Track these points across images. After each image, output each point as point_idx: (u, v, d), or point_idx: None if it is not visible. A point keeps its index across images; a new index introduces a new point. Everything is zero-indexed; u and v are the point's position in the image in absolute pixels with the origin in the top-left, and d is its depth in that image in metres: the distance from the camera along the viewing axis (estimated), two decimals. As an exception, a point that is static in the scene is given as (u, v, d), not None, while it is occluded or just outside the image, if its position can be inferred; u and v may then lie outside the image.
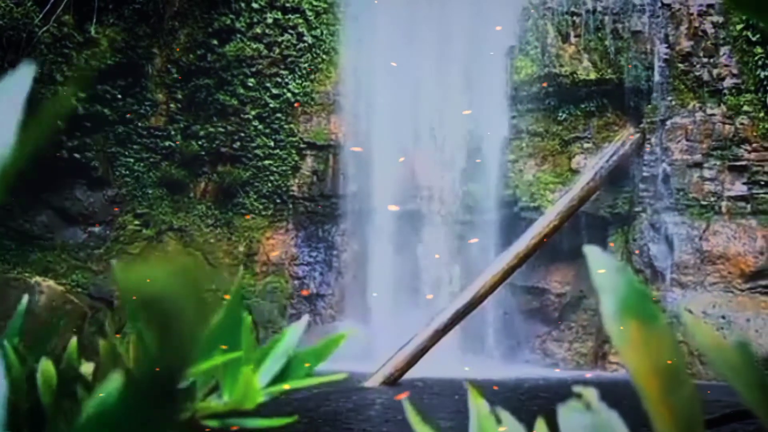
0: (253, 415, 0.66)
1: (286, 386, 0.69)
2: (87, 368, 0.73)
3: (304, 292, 13.20)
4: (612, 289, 0.50)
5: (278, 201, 13.70)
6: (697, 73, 12.06)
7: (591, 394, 0.52)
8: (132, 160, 13.46)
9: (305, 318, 0.78)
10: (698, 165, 11.89)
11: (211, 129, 13.57)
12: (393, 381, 9.84)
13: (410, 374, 10.01)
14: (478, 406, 0.62)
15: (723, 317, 10.72)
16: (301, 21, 13.64)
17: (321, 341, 0.72)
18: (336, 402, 8.26)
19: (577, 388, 0.52)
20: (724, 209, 11.67)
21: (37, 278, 10.59)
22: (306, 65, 13.62)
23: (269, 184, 13.66)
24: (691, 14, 12.17)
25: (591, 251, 0.52)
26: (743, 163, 11.73)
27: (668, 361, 0.48)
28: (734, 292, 11.22)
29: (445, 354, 10.69)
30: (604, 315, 0.50)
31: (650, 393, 0.48)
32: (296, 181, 13.65)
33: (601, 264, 0.51)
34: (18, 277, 10.46)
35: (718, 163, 11.82)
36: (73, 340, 0.74)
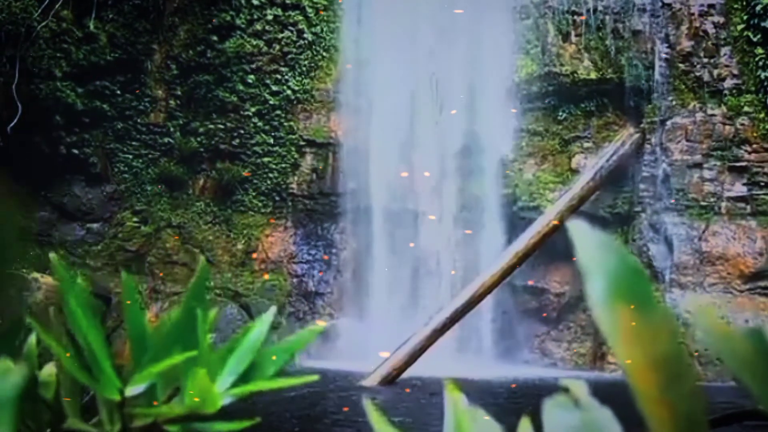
0: (215, 419, 0.60)
1: (251, 388, 0.63)
2: (49, 369, 0.66)
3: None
4: (600, 269, 0.42)
5: (277, 198, 13.67)
6: (698, 74, 12.04)
7: (580, 388, 0.46)
8: (131, 156, 13.43)
9: (273, 309, 0.72)
10: (698, 165, 11.87)
11: (210, 126, 13.54)
12: (391, 380, 9.82)
13: (408, 373, 9.99)
14: (454, 400, 0.57)
15: (722, 318, 10.68)
16: (301, 18, 13.60)
17: (292, 336, 0.66)
18: (332, 401, 8.24)
19: (565, 382, 0.46)
20: (723, 210, 11.65)
21: (35, 274, 10.56)
22: (306, 62, 13.59)
23: (268, 182, 13.63)
24: (692, 14, 12.14)
25: (576, 226, 0.44)
26: (743, 164, 11.71)
27: (667, 352, 0.42)
28: (733, 293, 11.20)
29: (443, 353, 10.68)
30: (590, 299, 0.43)
31: (646, 389, 0.41)
32: (295, 178, 13.62)
33: (588, 239, 0.44)
34: (15, 273, 10.42)
35: (718, 163, 11.80)
36: (32, 339, 0.66)
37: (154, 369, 0.60)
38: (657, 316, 0.43)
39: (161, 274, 13.00)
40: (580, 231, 0.45)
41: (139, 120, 13.39)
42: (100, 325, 0.61)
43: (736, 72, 11.85)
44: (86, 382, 0.61)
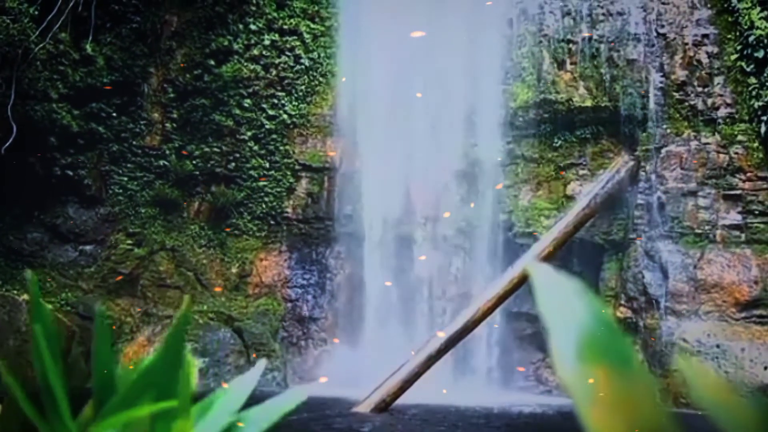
0: None
1: None
2: None
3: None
4: (567, 322, 0.35)
5: (272, 222, 13.63)
6: (692, 102, 12.12)
7: None
8: (126, 178, 13.39)
9: (262, 363, 0.65)
10: (693, 193, 11.89)
11: (206, 149, 13.54)
12: (384, 407, 9.71)
13: (401, 400, 9.88)
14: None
15: (718, 346, 10.65)
16: (298, 43, 13.68)
17: (278, 398, 0.59)
18: (324, 428, 8.13)
19: None
20: (718, 238, 11.65)
21: (25, 296, 10.45)
22: (303, 87, 13.64)
23: (263, 206, 13.60)
24: (686, 44, 12.26)
25: (536, 269, 0.37)
26: (737, 192, 11.73)
27: (651, 421, 0.33)
28: (729, 321, 11.16)
29: (437, 380, 10.58)
30: (555, 357, 0.35)
31: None
32: (291, 202, 13.59)
33: (551, 285, 0.36)
34: (6, 295, 10.32)
35: (713, 191, 11.82)
36: None
37: (119, 418, 0.50)
38: (637, 378, 0.35)
39: (154, 298, 12.90)
40: (541, 275, 0.37)
41: (134, 142, 13.38)
42: (62, 362, 0.52)
43: (729, 101, 11.93)
44: (37, 424, 0.52)
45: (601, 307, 0.37)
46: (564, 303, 0.35)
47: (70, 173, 12.87)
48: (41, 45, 11.51)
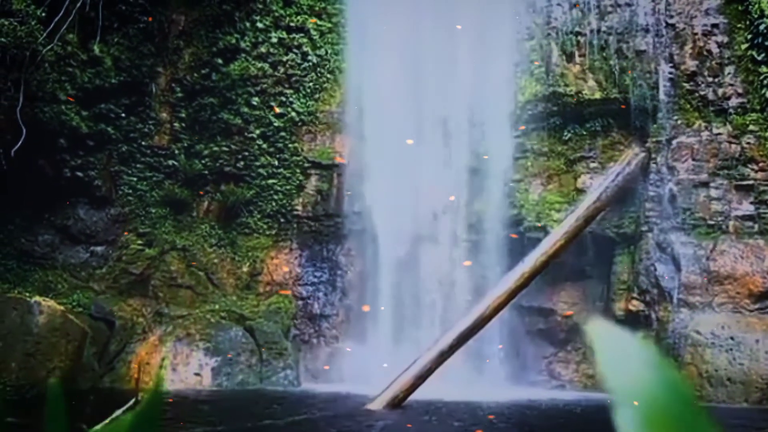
0: None
1: None
2: None
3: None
4: (635, 391, 0.30)
5: (282, 220, 13.63)
6: (703, 93, 12.01)
7: None
8: (135, 178, 13.41)
9: None
10: (704, 184, 11.80)
11: (215, 148, 13.54)
12: (397, 404, 9.69)
13: (414, 396, 9.86)
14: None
15: (732, 338, 10.56)
16: (305, 41, 13.66)
17: None
18: (336, 425, 8.11)
19: None
20: (731, 229, 11.56)
21: (38, 298, 10.49)
22: (310, 84, 13.62)
23: (273, 204, 13.59)
24: (696, 34, 12.15)
25: (597, 329, 0.32)
26: (750, 182, 11.63)
27: None
28: (743, 312, 11.07)
29: (450, 376, 10.55)
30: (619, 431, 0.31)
31: None
32: (300, 200, 13.59)
33: (616, 348, 0.31)
34: (18, 297, 10.36)
35: (725, 182, 11.72)
36: None
37: None
38: None
39: (166, 297, 12.93)
40: (603, 336, 0.33)
41: (143, 142, 13.40)
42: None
43: (740, 91, 11.82)
44: None
45: (675, 374, 0.33)
46: (630, 369, 0.32)
47: (80, 174, 12.90)
48: (49, 47, 11.52)
